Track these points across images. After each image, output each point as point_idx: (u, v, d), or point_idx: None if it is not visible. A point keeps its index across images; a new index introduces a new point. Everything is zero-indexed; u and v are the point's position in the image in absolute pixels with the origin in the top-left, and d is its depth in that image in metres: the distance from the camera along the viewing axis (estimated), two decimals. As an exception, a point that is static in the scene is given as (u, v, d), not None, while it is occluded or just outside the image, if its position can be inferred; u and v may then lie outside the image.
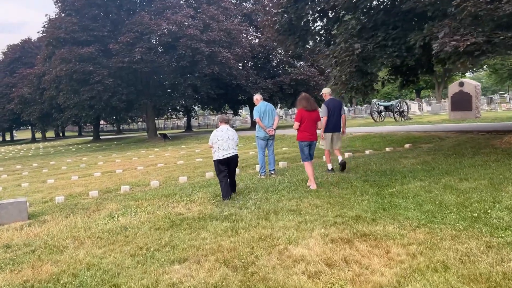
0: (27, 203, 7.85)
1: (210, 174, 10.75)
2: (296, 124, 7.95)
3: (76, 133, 70.70)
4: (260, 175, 9.76)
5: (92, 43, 24.45)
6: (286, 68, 33.91)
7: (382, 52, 8.39)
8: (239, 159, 8.20)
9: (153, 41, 24.36)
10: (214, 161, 7.77)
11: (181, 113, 45.57)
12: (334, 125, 9.52)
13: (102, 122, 58.51)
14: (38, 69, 35.83)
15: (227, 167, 7.69)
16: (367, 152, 12.41)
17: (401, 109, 26.90)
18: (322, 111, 9.25)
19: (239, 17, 31.68)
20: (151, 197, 8.32)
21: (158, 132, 31.27)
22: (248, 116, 57.86)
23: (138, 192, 9.36)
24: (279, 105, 38.77)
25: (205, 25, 25.30)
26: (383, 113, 27.69)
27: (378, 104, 27.61)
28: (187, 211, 6.93)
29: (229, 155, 7.63)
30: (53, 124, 42.07)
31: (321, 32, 11.58)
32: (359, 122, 28.41)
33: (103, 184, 11.04)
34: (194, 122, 54.37)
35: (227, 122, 8.12)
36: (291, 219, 5.77)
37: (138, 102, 26.96)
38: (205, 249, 4.91)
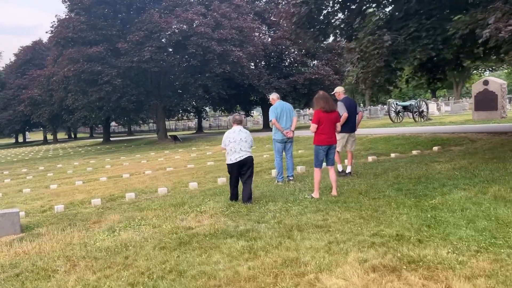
0: (20, 214, 7.10)
1: (223, 180, 9.91)
2: (313, 127, 7.05)
3: (88, 135, 70.58)
4: (277, 181, 8.90)
5: (101, 43, 23.80)
6: (300, 68, 32.98)
7: (415, 44, 7.46)
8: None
9: (163, 39, 23.62)
10: (227, 164, 7.27)
11: (192, 114, 44.90)
12: (351, 125, 8.82)
13: (113, 123, 58.18)
14: (48, 70, 35.43)
15: (240, 171, 7.16)
16: (392, 155, 11.45)
17: (421, 109, 25.76)
18: (340, 108, 8.54)
19: (251, 15, 30.83)
20: (157, 207, 7.51)
21: (168, 134, 30.57)
22: (260, 117, 56.98)
23: (144, 200, 8.56)
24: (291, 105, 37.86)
25: (217, 23, 24.50)
26: (401, 114, 26.58)
27: (396, 104, 26.50)
28: (197, 225, 6.10)
29: (241, 158, 7.07)
30: (63, 126, 41.71)
31: (342, 25, 10.66)
32: (375, 123, 27.33)
33: (107, 190, 10.27)
34: (205, 123, 53.69)
35: (240, 122, 7.52)
36: (319, 237, 4.89)
37: (147, 103, 26.26)
38: (218, 277, 4.05)
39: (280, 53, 31.41)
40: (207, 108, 43.55)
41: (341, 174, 8.93)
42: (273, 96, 9.24)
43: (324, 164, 7.31)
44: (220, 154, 16.91)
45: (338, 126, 7.31)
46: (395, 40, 7.49)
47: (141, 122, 48.82)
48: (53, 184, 12.06)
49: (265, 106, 34.89)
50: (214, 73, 24.71)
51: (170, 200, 8.03)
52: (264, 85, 29.02)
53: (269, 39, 30.91)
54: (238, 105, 37.28)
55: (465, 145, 12.05)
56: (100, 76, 22.94)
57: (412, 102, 26.93)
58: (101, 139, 42.74)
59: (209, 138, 26.80)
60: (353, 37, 11.47)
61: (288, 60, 32.27)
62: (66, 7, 25.61)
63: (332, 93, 9.28)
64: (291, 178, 8.94)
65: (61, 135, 65.55)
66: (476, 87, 21.95)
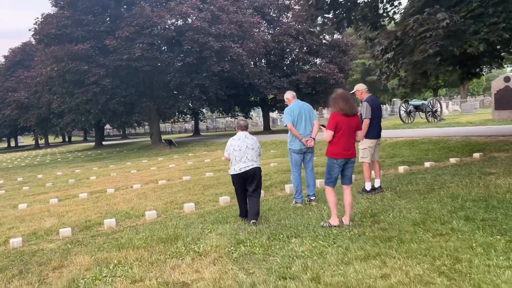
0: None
1: (226, 198, 8.04)
2: (329, 134, 5.37)
3: (82, 138, 68.35)
4: (296, 202, 7.04)
5: (87, 40, 21.80)
6: (302, 66, 31.16)
7: (478, 24, 5.60)
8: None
9: (156, 36, 21.63)
10: (231, 175, 6.34)
11: (188, 116, 42.94)
12: (379, 130, 7.21)
13: (108, 126, 56.14)
14: (35, 71, 33.40)
15: (246, 184, 6.20)
16: (426, 164, 9.60)
17: (434, 109, 23.97)
18: (365, 111, 6.95)
19: (251, 10, 28.95)
20: (142, 243, 5.65)
21: (163, 137, 28.61)
22: (258, 118, 55.03)
23: (127, 229, 6.67)
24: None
25: (214, 17, 22.54)
26: (412, 114, 24.78)
27: (408, 103, 24.70)
28: (195, 277, 4.29)
29: (247, 168, 6.13)
30: (52, 130, 39.60)
31: (366, 9, 8.81)
32: (384, 124, 25.40)
33: (84, 213, 8.37)
34: (202, 125, 51.72)
35: (245, 128, 6.48)
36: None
37: (139, 105, 24.24)
38: None
39: (281, 50, 29.54)
40: (204, 110, 41.62)
41: (369, 192, 7.12)
42: (288, 95, 7.38)
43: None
44: (220, 162, 15.03)
45: (359, 135, 5.58)
46: (450, 19, 5.63)
47: (136, 124, 46.82)
48: (22, 203, 10.14)
49: (266, 107, 33.04)
50: (211, 71, 22.76)
51: (160, 231, 6.16)
52: (265, 85, 27.14)
53: (269, 36, 29.00)
54: (236, 106, 35.40)
55: (510, 151, 10.22)
56: (87, 76, 20.95)
57: (425, 101, 25.13)
58: (101, 142, 40.69)
59: (206, 142, 24.88)
60: (378, 25, 9.65)
61: (290, 58, 30.36)
62: (50, 2, 23.58)
63: (352, 91, 7.47)
64: (312, 198, 7.08)
65: (56, 139, 63.26)
66: (497, 84, 20.21)
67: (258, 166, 6.22)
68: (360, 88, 7.32)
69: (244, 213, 6.27)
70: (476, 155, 10.02)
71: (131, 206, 8.50)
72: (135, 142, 38.18)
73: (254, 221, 5.95)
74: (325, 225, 5.43)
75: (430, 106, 23.94)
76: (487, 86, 70.94)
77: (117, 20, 23.40)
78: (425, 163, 9.77)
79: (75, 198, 10.46)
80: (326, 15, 8.13)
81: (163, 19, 21.44)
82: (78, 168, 18.75)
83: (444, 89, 75.09)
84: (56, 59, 21.12)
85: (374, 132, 7.13)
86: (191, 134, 43.93)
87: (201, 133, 44.45)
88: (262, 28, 29.37)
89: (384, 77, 10.79)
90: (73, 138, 68.66)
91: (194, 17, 22.14)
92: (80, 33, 22.04)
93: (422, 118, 25.89)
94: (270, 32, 30.99)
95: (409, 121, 24.34)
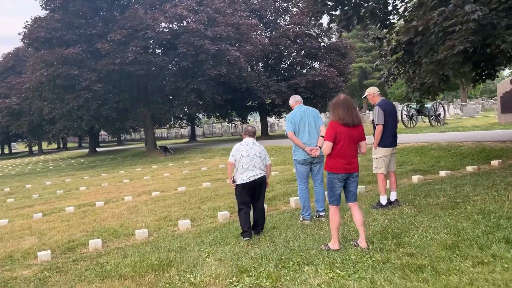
0: None
1: (225, 214, 7.27)
2: (327, 146, 4.72)
3: (77, 144, 67.20)
4: (303, 218, 6.30)
5: (78, 43, 20.97)
6: (300, 70, 30.51)
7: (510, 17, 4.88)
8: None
9: (150, 39, 20.83)
10: (236, 185, 5.83)
11: (184, 121, 42.12)
12: (394, 137, 6.48)
13: (103, 131, 55.13)
14: (27, 77, 32.49)
15: (253, 194, 5.82)
16: (442, 173, 8.87)
17: (437, 113, 23.31)
18: (377, 116, 6.28)
19: (247, 12, 28.26)
20: (130, 271, 4.90)
21: (158, 144, 27.78)
22: (255, 124, 54.24)
23: (113, 252, 5.90)
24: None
25: (210, 19, 21.81)
26: (414, 117, 24.10)
27: (410, 107, 24.03)
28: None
29: (256, 177, 5.74)
30: (44, 137, 38.63)
31: (375, 5, 8.11)
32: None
33: (68, 230, 7.58)
34: (198, 131, 50.88)
35: (253, 135, 6.05)
36: None
37: (133, 111, 23.41)
38: None
39: (279, 53, 28.86)
40: (200, 115, 40.82)
41: (385, 206, 6.40)
42: (290, 101, 6.69)
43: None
44: (217, 171, 14.26)
45: (364, 146, 4.90)
46: (481, 11, 4.92)
47: (131, 130, 45.93)
48: (3, 219, 9.33)
49: (263, 111, 32.32)
50: (208, 76, 21.97)
51: (151, 254, 5.40)
52: (263, 89, 26.41)
53: (267, 40, 28.31)
54: (233, 111, 34.64)
55: (530, 158, 9.52)
56: (78, 81, 20.11)
57: (428, 104, 24.48)
58: (95, 148, 39.78)
59: (203, 149, 24.09)
60: (387, 22, 8.97)
61: (288, 62, 29.66)
62: (40, 5, 22.74)
63: (363, 96, 6.78)
64: (322, 214, 6.34)
65: (50, 145, 62.16)
66: (503, 86, 19.58)
67: (265, 175, 5.87)
68: (371, 92, 6.60)
69: (248, 234, 5.67)
70: (494, 162, 9.31)
71: (121, 223, 7.73)
72: (130, 149, 37.33)
73: (259, 230, 5.86)
74: (325, 248, 4.77)
75: (434, 110, 23.28)
76: (483, 89, 70.57)
77: (109, 23, 22.62)
78: (440, 171, 9.04)
79: (61, 212, 9.66)
80: (333, 12, 7.43)
81: (157, 21, 20.69)
82: (68, 177, 17.92)
83: (440, 95, 74.71)
84: (46, 63, 20.29)
85: (388, 139, 6.42)
86: (187, 140, 43.11)
87: (198, 139, 43.66)
88: (259, 32, 28.67)
89: (391, 78, 10.10)
90: (69, 145, 67.65)
91: (189, 20, 21.37)
92: (71, 37, 21.23)
93: (424, 122, 25.24)
94: (268, 35, 30.35)
95: (411, 125, 23.67)
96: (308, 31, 29.08)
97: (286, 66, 30.70)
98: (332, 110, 4.75)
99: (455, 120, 27.88)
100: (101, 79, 20.70)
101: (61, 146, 63.72)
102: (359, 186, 6.18)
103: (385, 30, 8.87)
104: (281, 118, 41.12)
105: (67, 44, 20.99)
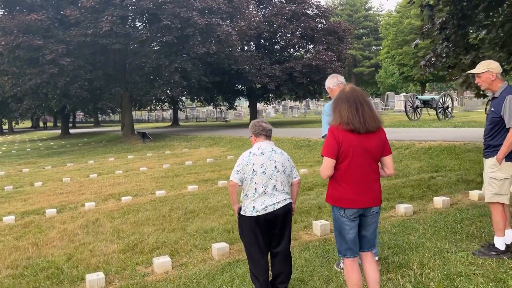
0: None
1: (222, 247, 4.88)
2: (326, 165, 3.12)
3: (61, 124, 63.02)
4: (341, 262, 4.00)
5: (44, 9, 17.92)
6: (295, 52, 28.06)
7: None
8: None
9: (129, 7, 17.94)
10: (244, 217, 3.58)
11: (166, 104, 39.33)
12: None
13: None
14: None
15: (271, 233, 3.59)
16: None
17: (445, 105, 21.25)
18: (508, 112, 3.72)
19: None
20: None
21: (136, 129, 25.01)
22: (241, 109, 51.67)
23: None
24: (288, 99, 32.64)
25: (199, -13, 19.10)
26: (419, 109, 22.01)
27: (416, 97, 21.91)
28: None
29: (277, 207, 3.50)
30: (10, 116, 35.28)
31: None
32: (385, 119, 22.57)
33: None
34: (181, 115, 48.00)
35: (269, 135, 3.73)
36: None
37: (108, 91, 20.59)
38: None
39: (273, 33, 26.31)
40: (183, 98, 38.04)
41: (505, 253, 4.01)
42: (332, 82, 4.32)
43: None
44: (205, 167, 11.82)
45: (390, 164, 3.23)
46: None
47: (109, 111, 42.75)
48: None
49: (253, 96, 29.80)
50: (195, 53, 19.26)
51: None
52: (255, 72, 23.85)
53: (261, 17, 25.66)
54: (220, 95, 31.99)
55: None
56: (42, 53, 17.19)
57: (435, 96, 22.41)
58: (67, 130, 36.56)
59: (187, 136, 21.52)
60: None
61: (283, 42, 27.03)
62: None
63: (480, 71, 4.08)
64: (376, 258, 4.03)
65: (24, 124, 58.24)
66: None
67: (291, 201, 3.60)
68: (492, 69, 3.92)
69: (263, 277, 3.55)
70: None
71: (70, 252, 5.30)
72: (106, 132, 34.39)
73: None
74: None
75: (441, 102, 21.22)
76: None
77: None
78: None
79: (-7, 226, 7.09)
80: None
81: (137, -13, 17.85)
82: (28, 166, 15.20)
83: (432, 84, 73.32)
84: (4, 31, 17.23)
85: None
86: (169, 124, 40.34)
87: (180, 123, 40.94)
88: (251, 8, 25.98)
89: (438, 62, 7.90)
90: (49, 124, 63.53)
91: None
92: (34, 0, 18.16)
93: (430, 114, 23.22)
94: (261, 12, 27.72)
95: (415, 118, 21.60)
96: (305, 10, 26.60)
97: (279, 47, 28.15)
98: (333, 109, 3.14)
99: (458, 113, 25.97)
100: (70, 52, 17.79)
101: (39, 126, 59.48)
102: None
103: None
104: (271, 104, 38.77)
105: (30, 9, 17.92)
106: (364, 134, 3.01)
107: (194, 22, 17.93)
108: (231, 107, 32.75)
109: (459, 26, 7.31)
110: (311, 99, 34.03)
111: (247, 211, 3.51)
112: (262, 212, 3.44)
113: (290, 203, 3.57)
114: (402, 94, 38.60)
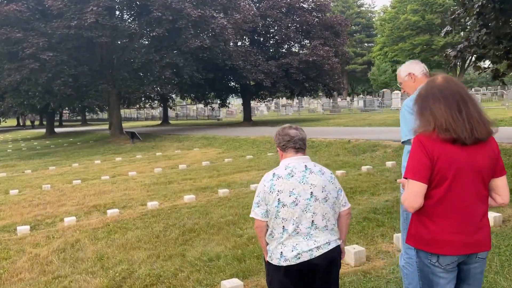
0: None
1: (235, 286, 3.80)
2: (414, 191, 2.03)
3: (38, 122, 61.13)
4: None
5: (24, -1, 16.71)
6: (291, 48, 26.99)
7: None
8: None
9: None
10: (271, 265, 2.46)
11: (156, 102, 37.91)
12: None
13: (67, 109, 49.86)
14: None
15: (309, 287, 2.44)
16: None
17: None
18: None
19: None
20: None
21: (124, 128, 23.74)
22: (232, 107, 50.34)
23: None
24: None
25: (192, -22, 17.92)
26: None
27: (419, 95, 20.96)
28: None
29: (316, 254, 2.39)
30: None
31: None
32: (382, 118, 21.58)
33: None
34: (171, 113, 46.62)
35: (300, 147, 2.55)
36: None
37: (94, 88, 19.27)
38: None
39: (268, 27, 25.21)
40: (173, 95, 36.70)
41: None
42: (416, 70, 3.23)
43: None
44: (201, 171, 10.69)
45: (501, 188, 2.17)
46: None
47: (97, 109, 41.19)
48: None
49: (247, 94, 28.65)
50: (187, 47, 18.06)
51: None
52: (250, 68, 22.74)
53: (255, 10, 24.51)
54: (212, 93, 30.75)
55: None
56: (21, 46, 15.86)
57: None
58: (53, 129, 35.12)
59: (179, 136, 20.34)
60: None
61: (278, 37, 25.83)
62: None
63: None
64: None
65: (8, 122, 56.42)
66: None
67: (338, 244, 2.52)
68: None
69: None
70: None
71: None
72: (93, 131, 33.00)
73: None
74: None
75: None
76: (463, 80, 69.12)
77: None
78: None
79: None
80: None
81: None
82: (5, 170, 13.93)
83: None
84: (-20, 22, 15.94)
85: None
86: (159, 122, 39.03)
87: (171, 121, 39.65)
88: (245, 1, 24.83)
89: (473, 50, 6.96)
90: (36, 122, 61.52)
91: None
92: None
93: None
94: (255, 5, 26.55)
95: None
96: (301, 4, 25.56)
97: (274, 42, 27.02)
98: (419, 111, 2.17)
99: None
100: (52, 46, 16.50)
101: (26, 124, 57.48)
102: None
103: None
104: (264, 102, 37.69)
105: (8, -1, 16.62)
106: (471, 146, 2.07)
107: (186, 14, 16.73)
108: (223, 104, 31.56)
109: (500, 11, 6.31)
110: (307, 97, 32.98)
111: (274, 258, 2.44)
112: (293, 262, 2.39)
113: (337, 247, 2.49)
114: (399, 91, 37.68)
